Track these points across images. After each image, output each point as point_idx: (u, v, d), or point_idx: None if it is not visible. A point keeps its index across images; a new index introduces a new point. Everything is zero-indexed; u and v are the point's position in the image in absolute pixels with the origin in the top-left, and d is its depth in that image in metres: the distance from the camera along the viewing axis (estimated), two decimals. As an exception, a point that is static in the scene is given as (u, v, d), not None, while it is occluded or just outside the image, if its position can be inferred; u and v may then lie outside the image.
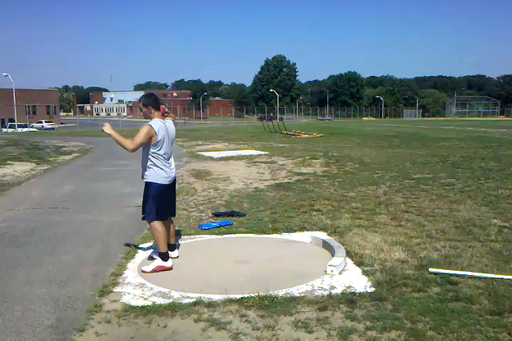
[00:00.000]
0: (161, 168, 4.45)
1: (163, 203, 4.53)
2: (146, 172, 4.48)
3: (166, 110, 4.70)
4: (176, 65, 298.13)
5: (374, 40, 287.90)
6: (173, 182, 4.70)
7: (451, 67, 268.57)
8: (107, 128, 4.34)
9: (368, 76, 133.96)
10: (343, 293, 3.79)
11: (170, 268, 4.47)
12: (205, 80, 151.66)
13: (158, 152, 4.42)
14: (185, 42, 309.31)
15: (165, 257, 4.47)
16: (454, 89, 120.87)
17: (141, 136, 4.29)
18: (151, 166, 4.44)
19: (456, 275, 4.09)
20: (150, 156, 4.42)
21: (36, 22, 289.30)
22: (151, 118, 4.47)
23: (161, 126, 4.42)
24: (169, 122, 4.64)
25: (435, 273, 4.14)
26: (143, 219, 4.58)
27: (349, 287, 3.93)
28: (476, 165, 11.99)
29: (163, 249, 4.46)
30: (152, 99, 4.51)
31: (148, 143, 4.36)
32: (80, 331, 3.25)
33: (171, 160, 4.62)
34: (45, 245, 5.37)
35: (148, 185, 4.50)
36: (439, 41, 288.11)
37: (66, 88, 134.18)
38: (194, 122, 64.54)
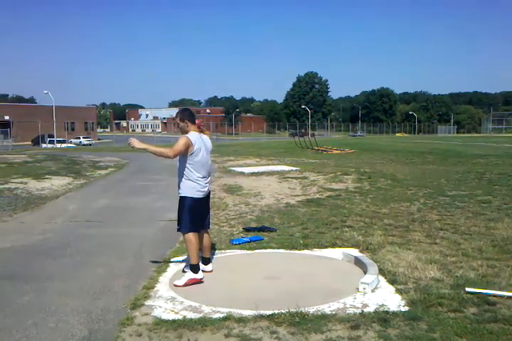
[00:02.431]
0: (195, 182, 4.56)
1: (198, 216, 4.63)
2: (181, 186, 4.60)
3: (202, 125, 4.83)
4: (210, 82, 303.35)
5: (407, 55, 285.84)
6: (207, 195, 4.78)
7: (486, 83, 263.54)
8: (137, 144, 4.39)
9: (401, 92, 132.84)
10: (375, 312, 3.71)
11: (200, 280, 4.50)
12: (238, 97, 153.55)
13: (195, 164, 4.53)
14: (218, 59, 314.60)
15: (195, 269, 4.51)
16: (490, 105, 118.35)
17: (180, 145, 4.46)
18: (186, 180, 4.56)
19: (494, 296, 3.95)
20: (186, 169, 4.54)
21: (76, 41, 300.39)
22: (187, 132, 4.61)
23: (197, 137, 4.60)
24: (205, 136, 4.79)
25: (472, 293, 4.01)
26: (178, 230, 4.68)
27: (382, 305, 3.84)
28: (515, 183, 11.63)
29: (194, 260, 4.51)
30: (188, 114, 4.71)
31: (185, 154, 4.49)
32: (111, 343, 3.29)
33: (207, 174, 4.70)
34: (80, 257, 5.48)
35: (182, 198, 4.60)
36: (474, 56, 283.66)
37: (103, 105, 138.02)
38: (226, 138, 65.17)
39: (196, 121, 4.69)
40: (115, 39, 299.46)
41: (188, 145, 4.48)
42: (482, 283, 4.27)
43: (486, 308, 3.72)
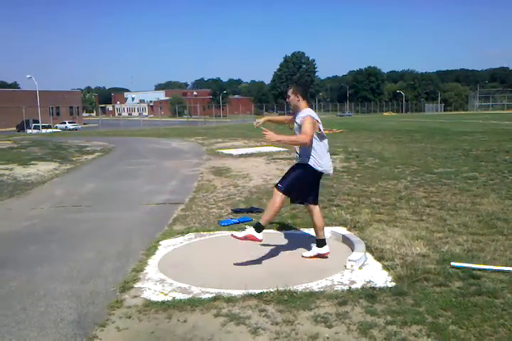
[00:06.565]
0: (321, 156, 4.42)
1: (301, 187, 4.48)
2: (307, 159, 4.42)
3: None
4: (196, 64, 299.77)
5: (394, 34, 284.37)
6: (322, 174, 4.59)
7: (473, 60, 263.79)
8: (274, 137, 4.16)
9: (388, 71, 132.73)
10: (363, 288, 3.76)
11: (260, 241, 4.36)
12: (225, 79, 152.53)
13: (321, 139, 4.43)
14: (204, 41, 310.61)
15: (260, 229, 4.34)
16: (477, 82, 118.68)
17: (310, 127, 4.25)
18: (313, 154, 4.40)
19: (479, 270, 4.02)
20: (314, 145, 4.38)
21: (59, 25, 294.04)
22: (299, 107, 4.46)
23: (316, 114, 4.45)
24: None
25: (457, 268, 4.08)
26: (276, 186, 4.43)
27: (369, 282, 3.89)
28: (500, 159, 11.77)
29: (265, 221, 4.35)
30: (301, 89, 4.58)
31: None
32: (101, 326, 3.29)
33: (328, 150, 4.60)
34: (68, 242, 5.46)
35: (305, 166, 4.42)
36: (460, 34, 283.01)
37: (88, 89, 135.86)
38: (214, 120, 64.79)
39: None
40: (99, 22, 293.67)
41: (314, 124, 4.31)
42: (467, 258, 4.34)
43: (471, 282, 3.79)
